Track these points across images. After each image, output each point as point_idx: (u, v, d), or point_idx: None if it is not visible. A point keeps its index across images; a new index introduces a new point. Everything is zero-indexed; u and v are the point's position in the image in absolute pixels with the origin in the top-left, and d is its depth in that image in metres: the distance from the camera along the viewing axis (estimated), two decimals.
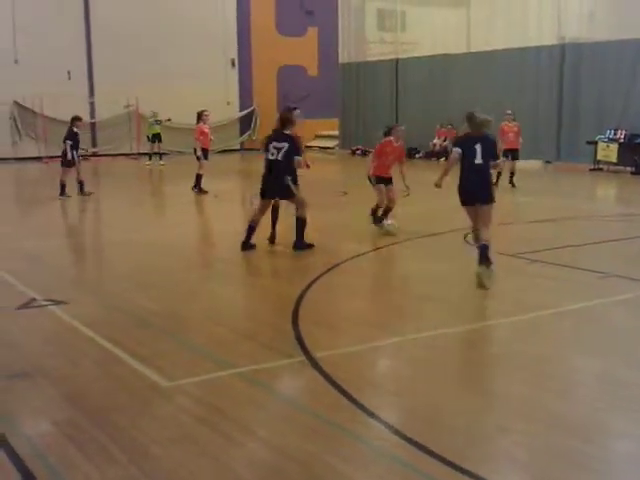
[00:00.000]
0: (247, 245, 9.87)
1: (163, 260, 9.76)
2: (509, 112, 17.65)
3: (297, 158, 9.82)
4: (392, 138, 11.27)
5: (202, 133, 16.57)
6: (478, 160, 8.05)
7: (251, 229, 9.88)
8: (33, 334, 6.54)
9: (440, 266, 9.08)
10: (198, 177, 16.52)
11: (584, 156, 21.69)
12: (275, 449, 4.25)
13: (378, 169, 11.20)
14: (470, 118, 8.16)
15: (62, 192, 16.19)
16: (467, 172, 8.14)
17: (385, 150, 11.20)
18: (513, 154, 17.23)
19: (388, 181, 11.28)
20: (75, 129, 16.65)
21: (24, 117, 27.20)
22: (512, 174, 17.35)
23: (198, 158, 16.54)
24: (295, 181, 9.88)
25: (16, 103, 26.94)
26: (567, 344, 6.25)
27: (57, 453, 4.21)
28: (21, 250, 10.40)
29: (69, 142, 16.35)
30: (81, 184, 16.50)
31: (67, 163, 16.35)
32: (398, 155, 11.31)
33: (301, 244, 9.80)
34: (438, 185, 8.55)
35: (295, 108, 10.31)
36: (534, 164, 22.91)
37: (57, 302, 7.42)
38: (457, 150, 8.20)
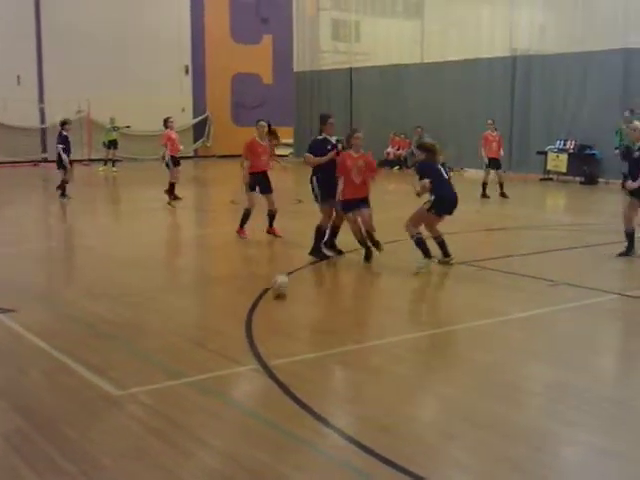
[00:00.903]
0: (319, 250, 9.87)
1: (119, 269, 9.65)
2: (490, 121, 17.55)
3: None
4: (351, 150, 9.72)
5: (169, 139, 16.37)
6: (445, 176, 9.49)
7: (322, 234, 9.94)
8: None
9: (394, 274, 9.14)
10: (170, 185, 16.25)
11: (534, 166, 22.07)
12: (227, 458, 4.23)
13: (347, 192, 9.53)
14: (430, 149, 9.49)
15: (63, 194, 16.54)
16: (446, 187, 9.47)
17: (346, 166, 9.58)
18: (496, 163, 17.14)
19: (361, 202, 9.61)
20: (65, 132, 16.99)
21: None
22: (501, 185, 17.02)
23: (167, 165, 16.28)
24: (318, 186, 9.93)
25: None
26: (516, 351, 6.34)
27: (3, 465, 4.13)
28: None
29: (60, 146, 16.78)
30: (63, 188, 16.68)
31: (63, 166, 16.73)
32: (368, 166, 9.69)
33: (313, 251, 9.81)
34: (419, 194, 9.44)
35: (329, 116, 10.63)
36: (482, 173, 23.22)
37: (4, 310, 7.28)
38: (427, 181, 9.26)
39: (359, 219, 9.60)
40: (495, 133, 17.36)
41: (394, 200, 18.06)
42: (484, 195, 16.91)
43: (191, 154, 31.43)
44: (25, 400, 5.09)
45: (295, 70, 30.07)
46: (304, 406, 4.91)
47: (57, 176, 17.18)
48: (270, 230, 11.49)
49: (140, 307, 7.67)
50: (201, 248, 11.88)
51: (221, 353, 6.07)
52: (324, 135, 10.19)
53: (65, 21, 27.20)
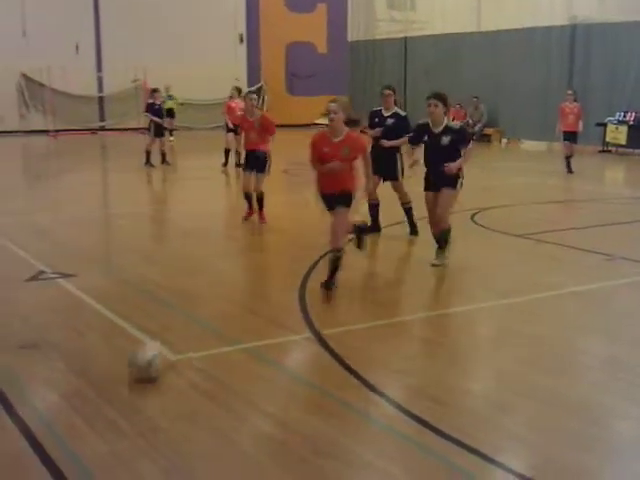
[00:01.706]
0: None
1: (174, 236, 9.79)
2: (570, 92, 16.73)
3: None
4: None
5: (229, 109, 16.76)
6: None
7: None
8: (41, 306, 6.59)
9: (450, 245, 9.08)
10: (225, 151, 16.70)
11: (593, 138, 21.59)
12: (280, 424, 4.30)
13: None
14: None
15: (147, 161, 16.94)
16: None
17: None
18: (572, 137, 16.27)
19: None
20: (151, 100, 17.32)
21: (32, 90, 27.12)
22: (570, 157, 16.31)
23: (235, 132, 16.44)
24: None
25: (24, 75, 26.87)
26: (571, 325, 6.27)
27: (64, 424, 4.26)
28: (31, 223, 10.45)
29: (149, 114, 17.16)
30: (164, 155, 17.18)
31: (158, 133, 17.04)
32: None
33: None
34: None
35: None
36: (540, 145, 22.86)
37: (65, 275, 7.47)
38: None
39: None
40: (573, 105, 16.36)
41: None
42: (569, 171, 16.12)
43: None
44: (85, 362, 5.23)
45: (349, 39, 29.82)
46: (356, 375, 4.95)
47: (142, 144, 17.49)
48: (259, 214, 10.32)
49: (194, 274, 7.78)
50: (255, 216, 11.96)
51: (274, 321, 6.14)
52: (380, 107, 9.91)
53: None
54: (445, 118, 7.79)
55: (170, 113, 25.08)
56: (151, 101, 17.32)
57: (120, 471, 3.79)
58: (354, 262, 8.33)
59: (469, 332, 6.15)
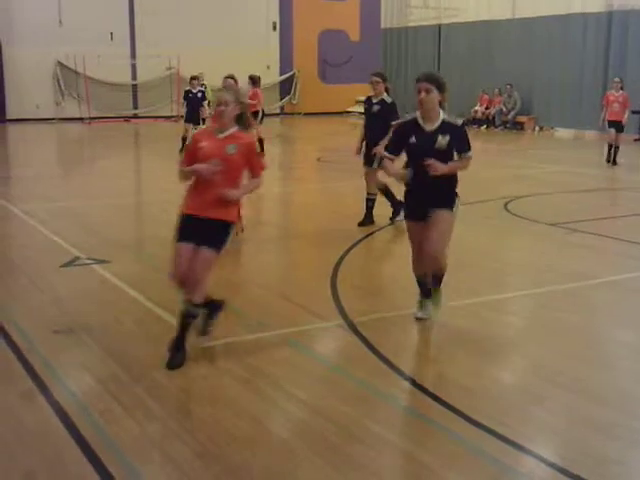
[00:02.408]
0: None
1: None
2: (617, 80, 16.12)
3: None
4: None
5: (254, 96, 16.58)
6: None
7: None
8: (77, 291, 6.67)
9: (479, 234, 9.03)
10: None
11: (629, 126, 21.23)
12: (313, 410, 4.32)
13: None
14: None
15: (182, 148, 16.69)
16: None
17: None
18: (617, 126, 15.44)
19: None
20: (188, 87, 17.37)
21: (67, 77, 27.40)
22: (616, 148, 15.47)
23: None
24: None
25: (59, 63, 27.15)
26: (605, 315, 6.21)
27: (99, 408, 4.32)
28: (66, 210, 10.58)
29: (184, 101, 17.26)
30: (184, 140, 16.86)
31: (189, 119, 16.96)
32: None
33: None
34: None
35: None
36: (573, 133, 22.58)
37: (100, 261, 7.55)
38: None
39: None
40: (619, 93, 15.63)
41: (481, 160, 17.79)
42: (609, 160, 15.47)
43: (277, 111, 31.59)
44: (119, 347, 5.29)
45: (382, 27, 29.67)
46: (388, 363, 4.95)
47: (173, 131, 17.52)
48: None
49: (226, 260, 7.81)
50: (287, 204, 11.99)
51: (306, 308, 6.16)
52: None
53: None
54: (441, 111, 5.45)
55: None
56: (188, 88, 17.35)
57: (152, 452, 3.84)
58: (386, 250, 8.32)
59: (501, 321, 6.12)
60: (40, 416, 4.22)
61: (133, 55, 28.50)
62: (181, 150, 16.95)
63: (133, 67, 28.54)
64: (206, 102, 16.91)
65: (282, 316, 5.96)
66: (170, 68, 28.21)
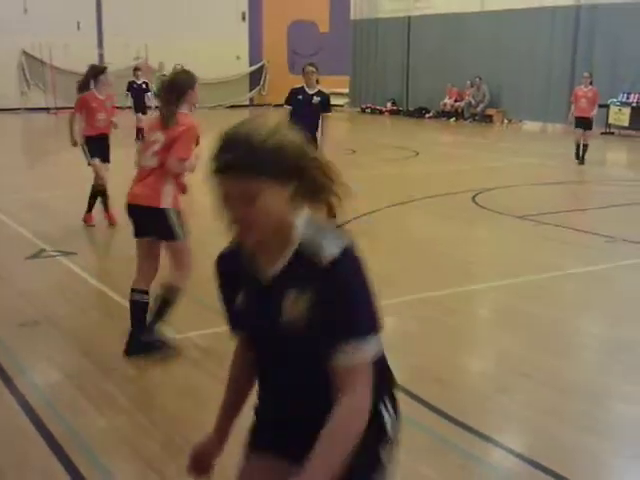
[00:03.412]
0: None
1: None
2: (586, 74, 15.65)
3: None
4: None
5: None
6: None
7: None
8: (43, 284, 6.59)
9: (449, 226, 9.09)
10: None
11: (596, 120, 21.51)
12: None
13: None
14: None
15: (137, 137, 16.74)
16: None
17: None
18: (585, 123, 14.90)
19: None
20: (132, 79, 17.75)
21: (33, 67, 27.00)
22: (585, 146, 14.87)
23: None
24: None
25: (25, 53, 26.74)
26: (572, 306, 6.28)
27: (64, 400, 4.28)
28: (31, 201, 10.44)
29: (128, 92, 17.57)
30: (139, 131, 16.79)
31: (138, 109, 17.33)
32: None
33: None
34: None
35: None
36: (541, 126, 22.78)
37: (66, 253, 7.47)
38: None
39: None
40: (588, 88, 15.22)
41: (449, 153, 17.89)
42: (578, 158, 14.90)
43: (247, 102, 31.45)
44: (86, 340, 5.24)
45: (352, 18, 29.64)
46: None
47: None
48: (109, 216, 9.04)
49: (193, 252, 7.76)
50: None
51: None
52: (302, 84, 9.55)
53: None
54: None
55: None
56: (131, 79, 17.69)
57: (119, 446, 3.80)
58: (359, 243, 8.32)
59: (470, 312, 6.16)
60: (5, 411, 4.16)
61: (100, 44, 28.17)
62: (137, 139, 16.77)
63: (100, 57, 28.18)
64: (150, 93, 17.20)
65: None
66: (138, 58, 27.90)
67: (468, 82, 24.57)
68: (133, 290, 4.99)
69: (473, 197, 10.70)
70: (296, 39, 31.80)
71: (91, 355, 4.93)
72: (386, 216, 9.63)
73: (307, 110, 9.14)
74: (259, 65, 31.87)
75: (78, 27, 27.24)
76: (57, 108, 26.18)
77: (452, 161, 15.56)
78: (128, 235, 8.29)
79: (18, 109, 26.35)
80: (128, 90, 17.66)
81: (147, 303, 4.94)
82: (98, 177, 8.91)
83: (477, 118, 24.50)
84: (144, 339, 4.86)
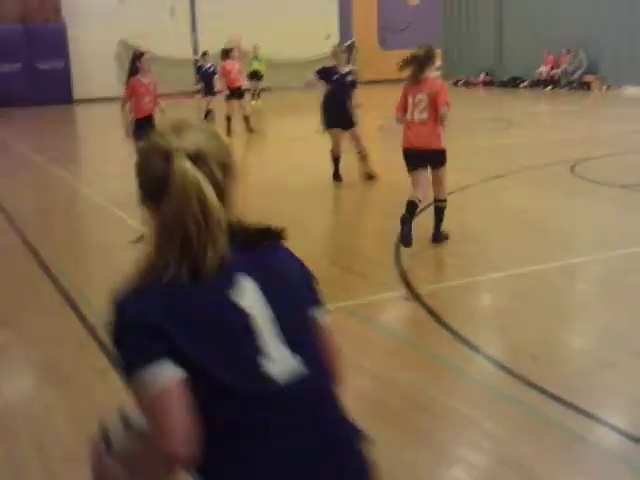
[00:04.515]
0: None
1: (269, 194, 9.90)
2: None
3: None
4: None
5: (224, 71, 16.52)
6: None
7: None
8: None
9: (547, 198, 8.87)
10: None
11: None
12: (377, 380, 4.34)
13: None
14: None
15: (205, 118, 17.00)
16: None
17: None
18: None
19: None
20: (201, 63, 18.65)
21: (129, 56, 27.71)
22: None
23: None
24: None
25: (122, 42, 27.49)
26: None
27: None
28: (132, 189, 10.75)
29: (199, 76, 18.59)
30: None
31: (208, 92, 17.89)
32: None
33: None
34: None
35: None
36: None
37: None
38: None
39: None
40: None
41: (546, 122, 17.42)
42: None
43: None
44: None
45: None
46: (454, 332, 4.92)
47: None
48: None
49: (288, 231, 7.85)
50: (347, 174, 11.94)
51: (369, 278, 6.16)
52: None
53: None
54: None
55: (256, 75, 24.70)
56: (200, 64, 18.21)
57: None
58: (448, 219, 8.25)
59: (570, 287, 6.01)
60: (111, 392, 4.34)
61: (194, 29, 28.67)
62: (205, 119, 16.74)
63: (194, 42, 28.71)
64: (216, 76, 17.43)
65: (346, 287, 5.97)
66: (231, 42, 28.23)
67: (564, 49, 23.80)
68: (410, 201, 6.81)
69: (572, 167, 10.40)
70: (386, 14, 31.51)
71: None
72: (482, 189, 9.48)
73: (345, 88, 10.12)
74: (349, 42, 31.72)
75: (172, 14, 27.80)
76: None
77: (549, 131, 15.15)
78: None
79: (117, 98, 27.06)
80: (197, 73, 18.20)
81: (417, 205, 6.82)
82: None
83: (574, 86, 23.73)
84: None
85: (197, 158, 1.69)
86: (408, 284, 5.89)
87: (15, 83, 25.37)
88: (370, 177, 10.21)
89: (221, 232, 1.70)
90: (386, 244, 7.01)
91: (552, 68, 24.45)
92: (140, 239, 7.64)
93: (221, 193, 1.73)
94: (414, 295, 5.65)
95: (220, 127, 16.33)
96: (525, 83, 25.35)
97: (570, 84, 23.82)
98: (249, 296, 1.72)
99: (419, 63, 6.74)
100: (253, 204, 9.36)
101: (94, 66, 26.88)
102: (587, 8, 23.14)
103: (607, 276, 6.20)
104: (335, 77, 10.08)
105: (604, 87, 23.09)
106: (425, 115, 6.73)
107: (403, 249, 6.79)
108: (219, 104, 17.35)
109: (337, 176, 10.36)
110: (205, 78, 17.96)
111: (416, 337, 4.98)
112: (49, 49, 25.95)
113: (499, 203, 9.07)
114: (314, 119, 15.49)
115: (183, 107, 24.85)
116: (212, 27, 27.32)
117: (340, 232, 8.29)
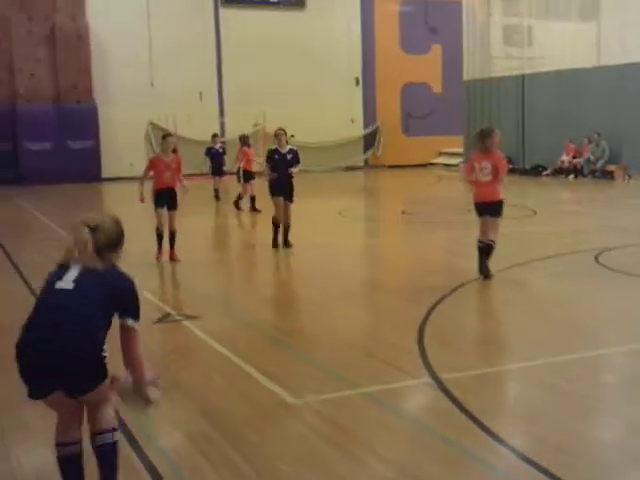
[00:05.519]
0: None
1: (291, 277, 9.96)
2: None
3: None
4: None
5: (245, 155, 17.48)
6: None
7: None
8: (168, 348, 6.83)
9: (571, 288, 8.83)
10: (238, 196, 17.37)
11: None
12: (401, 471, 4.26)
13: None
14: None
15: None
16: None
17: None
18: None
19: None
20: (210, 144, 19.56)
21: (159, 137, 28.28)
22: None
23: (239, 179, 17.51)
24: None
25: (151, 123, 28.20)
26: None
27: (189, 465, 4.38)
28: (156, 266, 10.86)
29: (207, 157, 19.55)
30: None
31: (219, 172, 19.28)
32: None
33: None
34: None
35: None
36: None
37: (190, 317, 7.71)
38: None
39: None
40: None
41: (569, 210, 17.47)
42: None
43: (361, 164, 31.87)
44: (209, 404, 5.37)
45: (465, 78, 29.74)
46: (477, 422, 4.86)
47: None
48: (171, 254, 11.06)
49: (312, 315, 7.87)
50: (371, 257, 12.00)
51: (393, 364, 6.12)
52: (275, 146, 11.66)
53: (242, 38, 28.50)
54: None
55: None
56: (209, 145, 19.24)
57: None
58: (472, 305, 8.22)
59: (597, 379, 5.92)
60: (133, 474, 4.30)
61: (221, 113, 29.37)
62: (215, 198, 18.67)
63: (222, 124, 29.37)
64: (225, 156, 18.85)
65: (368, 373, 5.93)
66: (257, 124, 28.89)
67: (585, 139, 24.04)
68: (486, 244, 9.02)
69: (596, 256, 10.38)
70: (409, 101, 32.16)
71: (214, 420, 5.03)
72: (505, 277, 9.46)
73: (285, 165, 11.47)
74: (373, 127, 32.32)
75: (201, 97, 28.57)
76: (183, 175, 27.30)
77: (573, 219, 15.19)
78: (250, 302, 8.54)
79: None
80: (207, 154, 19.07)
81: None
82: (158, 223, 11.23)
83: (597, 175, 23.86)
84: None
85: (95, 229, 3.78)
86: (432, 371, 5.83)
87: (47, 161, 26.01)
88: (289, 245, 11.59)
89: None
90: (409, 329, 6.98)
91: (574, 157, 24.64)
92: (164, 318, 7.69)
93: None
94: (438, 383, 5.59)
95: (227, 204, 16.64)
96: (547, 171, 25.54)
97: (593, 173, 23.96)
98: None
99: (481, 138, 8.96)
100: (280, 284, 9.38)
101: (123, 145, 27.54)
102: (608, 99, 23.45)
103: (633, 369, 6.11)
104: (276, 157, 11.52)
105: (627, 176, 23.17)
106: (489, 178, 8.84)
107: (427, 335, 6.76)
108: (227, 183, 18.20)
109: (275, 243, 11.53)
110: (213, 158, 18.99)
111: (441, 427, 4.88)
112: (80, 128, 26.70)
113: (523, 292, 9.05)
114: (332, 202, 15.51)
115: (203, 188, 25.31)
116: (238, 111, 28.02)
117: (362, 316, 8.27)
